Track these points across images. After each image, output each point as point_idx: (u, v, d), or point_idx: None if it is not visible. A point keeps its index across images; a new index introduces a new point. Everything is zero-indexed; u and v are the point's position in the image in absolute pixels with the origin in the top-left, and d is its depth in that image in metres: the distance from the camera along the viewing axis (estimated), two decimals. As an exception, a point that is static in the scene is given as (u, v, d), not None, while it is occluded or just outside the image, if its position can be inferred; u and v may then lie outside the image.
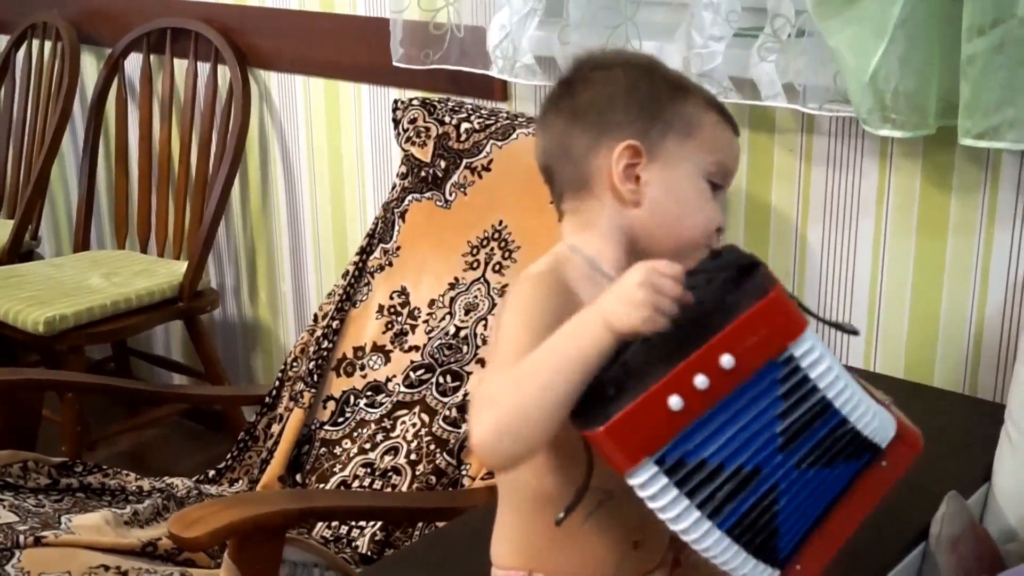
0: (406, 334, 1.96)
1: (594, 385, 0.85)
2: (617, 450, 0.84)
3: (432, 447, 1.82)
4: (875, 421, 0.90)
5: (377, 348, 1.98)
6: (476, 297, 1.89)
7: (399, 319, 1.98)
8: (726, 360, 0.83)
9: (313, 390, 1.99)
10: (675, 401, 0.83)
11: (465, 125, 1.99)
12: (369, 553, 1.77)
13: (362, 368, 1.98)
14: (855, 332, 0.99)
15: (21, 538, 1.61)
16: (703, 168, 1.02)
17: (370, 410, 1.94)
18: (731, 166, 1.06)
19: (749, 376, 0.84)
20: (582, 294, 0.98)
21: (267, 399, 2.07)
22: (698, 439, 0.85)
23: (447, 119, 2.01)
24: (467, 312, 1.89)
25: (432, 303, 1.95)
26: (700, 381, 0.83)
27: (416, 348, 1.93)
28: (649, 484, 0.85)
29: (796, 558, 0.90)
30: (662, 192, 1.02)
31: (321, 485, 1.92)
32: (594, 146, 1.03)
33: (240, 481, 2.01)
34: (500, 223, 1.91)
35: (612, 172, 1.01)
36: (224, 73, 2.59)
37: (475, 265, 1.92)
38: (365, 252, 2.06)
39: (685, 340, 0.84)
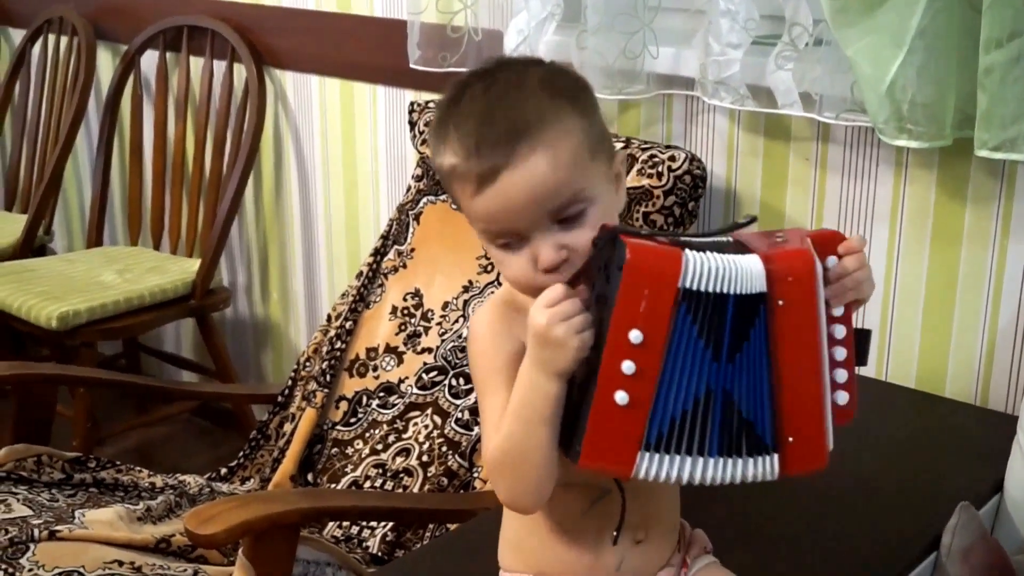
0: (419, 336, 1.97)
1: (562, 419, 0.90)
2: (607, 467, 0.89)
3: (444, 449, 1.82)
4: (744, 274, 0.88)
5: (390, 349, 1.99)
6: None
7: (412, 321, 1.98)
8: (635, 336, 0.84)
9: (326, 390, 2.00)
10: (621, 396, 0.85)
11: (481, 128, 1.99)
12: (380, 553, 1.78)
13: (375, 369, 1.99)
14: (752, 220, 0.98)
15: (36, 532, 1.62)
16: (485, 238, 0.98)
17: (382, 411, 1.95)
18: (494, 226, 0.95)
19: (666, 331, 0.85)
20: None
21: (280, 398, 2.08)
22: (661, 406, 0.87)
23: (463, 122, 2.01)
24: (480, 315, 1.90)
25: (446, 305, 1.96)
26: (627, 367, 0.85)
27: (429, 350, 1.94)
28: (652, 469, 0.88)
29: (782, 434, 0.91)
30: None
31: (333, 485, 1.92)
32: None
33: (252, 480, 2.02)
34: (515, 226, 1.91)
35: None
36: (240, 72, 2.60)
37: (489, 268, 1.92)
38: (379, 253, 2.07)
39: (599, 339, 0.86)
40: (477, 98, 0.96)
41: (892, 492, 1.45)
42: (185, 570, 1.60)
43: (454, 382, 1.88)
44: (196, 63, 2.71)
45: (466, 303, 1.93)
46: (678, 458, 0.89)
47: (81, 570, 1.56)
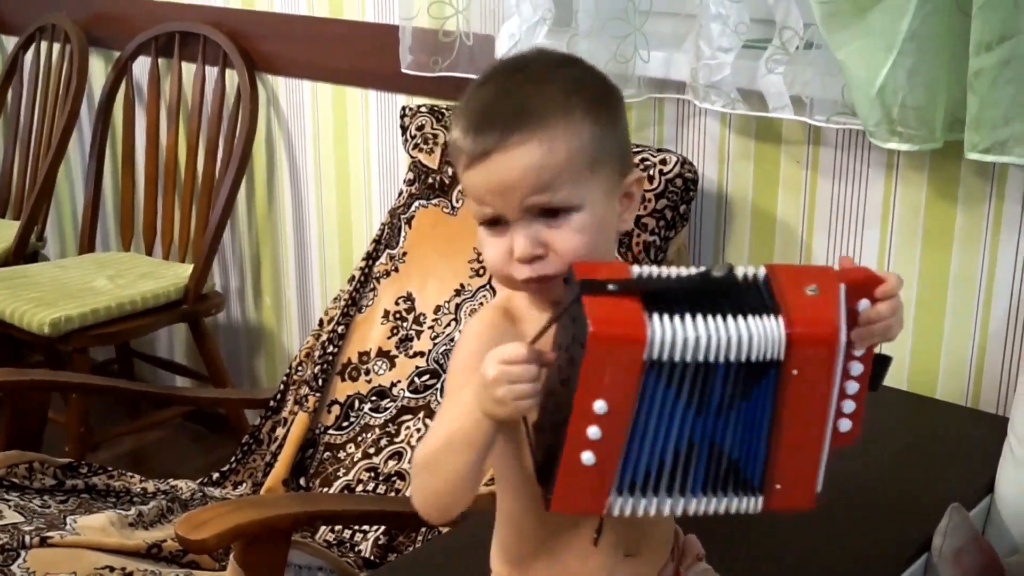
0: (411, 340, 1.97)
1: (534, 453, 0.92)
2: (580, 510, 0.91)
3: (436, 453, 1.82)
4: (754, 344, 0.87)
5: (382, 353, 1.98)
6: (482, 304, 1.90)
7: (405, 325, 1.98)
8: (599, 406, 0.85)
9: (318, 394, 2.00)
10: (587, 457, 0.86)
11: (473, 132, 1.99)
12: (372, 557, 1.78)
13: (367, 373, 1.99)
14: (730, 269, 0.92)
15: (27, 538, 1.62)
16: (477, 218, 0.98)
17: (375, 415, 1.95)
18: (482, 202, 0.96)
19: (633, 400, 0.86)
20: (527, 323, 1.00)
21: (272, 403, 2.08)
22: (633, 461, 0.89)
23: (455, 126, 2.02)
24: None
25: (438, 309, 1.96)
26: (593, 432, 0.85)
27: (421, 354, 1.94)
28: (627, 507, 0.90)
29: (771, 480, 0.92)
30: None
31: (325, 489, 1.92)
32: None
33: (244, 484, 2.02)
34: (507, 230, 1.92)
35: None
36: (232, 77, 2.60)
37: (481, 272, 1.92)
38: (371, 258, 2.07)
39: (568, 393, 0.86)
40: (500, 80, 0.98)
41: (884, 494, 1.45)
42: (177, 575, 1.60)
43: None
44: (188, 69, 2.71)
45: (458, 307, 1.93)
46: (655, 498, 0.91)
47: (73, 576, 1.55)
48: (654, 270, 0.89)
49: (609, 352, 0.84)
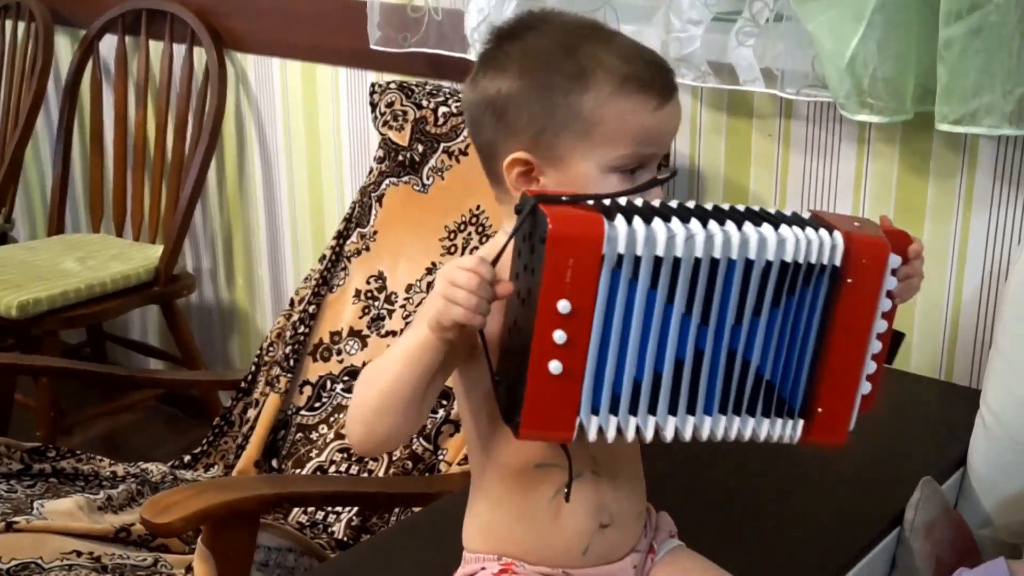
0: (383, 319, 1.95)
1: (498, 391, 0.90)
2: (548, 435, 0.89)
3: (409, 432, 1.81)
4: (802, 248, 0.87)
5: (354, 333, 1.97)
6: (453, 282, 1.88)
7: (376, 304, 1.97)
8: (563, 305, 0.83)
9: (289, 375, 1.98)
10: (555, 366, 0.84)
11: (443, 109, 1.97)
12: (345, 538, 1.76)
13: (339, 353, 1.97)
14: (673, 174, 0.97)
15: (-7, 524, 1.60)
16: (607, 163, 0.95)
17: (347, 395, 1.93)
18: (651, 147, 0.97)
19: (593, 299, 0.84)
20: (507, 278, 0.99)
21: (243, 384, 2.06)
22: (610, 371, 0.86)
23: (425, 103, 2.00)
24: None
25: (409, 288, 1.94)
26: (559, 336, 0.83)
27: (393, 333, 1.92)
28: (602, 431, 0.87)
29: (813, 403, 0.91)
30: None
31: (297, 470, 1.91)
32: (494, 148, 0.99)
33: (216, 466, 2.00)
34: (478, 208, 1.90)
35: (507, 180, 0.99)
36: (200, 55, 2.56)
37: (452, 250, 1.91)
38: (342, 236, 2.05)
39: (530, 311, 0.84)
40: (618, 34, 1.00)
41: (856, 468, 1.45)
42: (145, 559, 1.58)
43: (418, 365, 1.86)
44: (156, 47, 2.67)
45: (430, 285, 1.91)
46: (652, 417, 0.88)
47: (39, 561, 1.53)
48: (621, 201, 0.87)
49: (569, 246, 0.82)
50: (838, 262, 0.88)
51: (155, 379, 2.49)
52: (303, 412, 1.96)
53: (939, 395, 1.66)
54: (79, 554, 1.56)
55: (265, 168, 2.58)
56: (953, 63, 1.45)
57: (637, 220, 0.84)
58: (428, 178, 1.97)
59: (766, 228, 0.86)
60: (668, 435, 0.89)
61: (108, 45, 2.77)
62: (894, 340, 0.96)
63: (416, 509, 1.65)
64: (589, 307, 0.84)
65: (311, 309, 2.01)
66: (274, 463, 1.95)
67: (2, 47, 2.98)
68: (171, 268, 2.57)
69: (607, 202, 0.87)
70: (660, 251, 0.84)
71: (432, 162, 1.97)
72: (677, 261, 0.84)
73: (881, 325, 0.93)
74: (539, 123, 0.96)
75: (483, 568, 1.05)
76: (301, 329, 2.00)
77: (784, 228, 0.87)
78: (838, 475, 1.42)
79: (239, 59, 2.55)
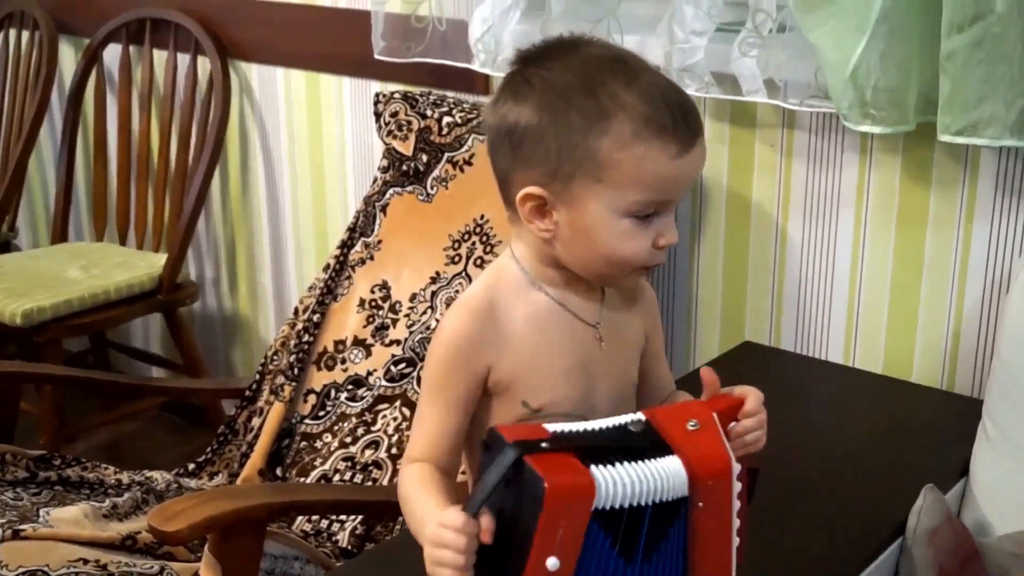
0: (387, 328, 1.96)
1: None
2: None
3: (413, 441, 1.81)
4: (665, 483, 0.90)
5: (358, 342, 1.97)
6: (457, 291, 1.89)
7: (380, 313, 1.97)
8: (551, 563, 0.85)
9: (294, 384, 1.99)
10: None
11: (447, 119, 1.98)
12: (349, 547, 1.77)
13: (343, 362, 1.98)
14: (643, 424, 0.95)
15: (-1, 532, 1.60)
16: (622, 207, 0.95)
17: (351, 404, 1.94)
18: (666, 195, 0.97)
19: (577, 552, 0.87)
20: (514, 309, 1.01)
21: (247, 392, 2.07)
22: None
23: (429, 112, 2.01)
24: (448, 306, 1.89)
25: (413, 297, 1.95)
26: None
27: (397, 342, 1.93)
28: None
29: None
30: (572, 233, 0.97)
31: (301, 479, 1.91)
32: (509, 177, 1.00)
33: (220, 475, 2.01)
34: (482, 217, 1.91)
35: (520, 211, 0.99)
36: (204, 64, 2.57)
37: (456, 259, 1.91)
38: (346, 246, 2.06)
39: (518, 556, 0.86)
40: (650, 72, 0.98)
41: (859, 477, 1.45)
42: (152, 567, 1.59)
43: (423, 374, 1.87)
44: (160, 56, 2.68)
45: (434, 294, 1.92)
46: None
47: (46, 569, 1.54)
48: (563, 427, 0.90)
49: (566, 503, 0.85)
50: (685, 492, 0.91)
51: (159, 387, 2.50)
52: (307, 421, 1.97)
53: (941, 405, 1.66)
54: (85, 562, 1.56)
55: (269, 177, 2.59)
56: (955, 74, 1.46)
57: (611, 470, 0.87)
58: (432, 188, 1.98)
59: (657, 467, 0.89)
60: None
61: (112, 54, 2.78)
62: (752, 479, 0.98)
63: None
64: (573, 561, 0.87)
65: (315, 318, 2.02)
66: (278, 472, 1.96)
67: (6, 56, 2.99)
68: (174, 276, 2.58)
69: (572, 429, 0.89)
70: (628, 502, 0.87)
71: (436, 172, 1.98)
72: (631, 510, 0.88)
73: (735, 523, 0.96)
74: (554, 161, 0.95)
75: None
76: (305, 338, 2.01)
77: (659, 465, 0.89)
78: (842, 484, 1.43)
79: (243, 68, 2.55)
